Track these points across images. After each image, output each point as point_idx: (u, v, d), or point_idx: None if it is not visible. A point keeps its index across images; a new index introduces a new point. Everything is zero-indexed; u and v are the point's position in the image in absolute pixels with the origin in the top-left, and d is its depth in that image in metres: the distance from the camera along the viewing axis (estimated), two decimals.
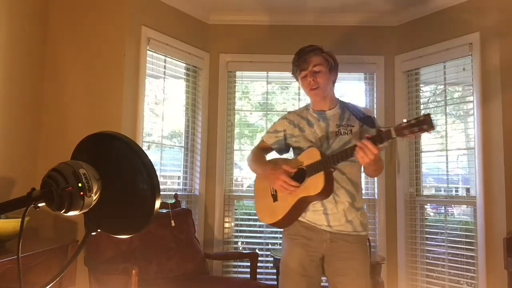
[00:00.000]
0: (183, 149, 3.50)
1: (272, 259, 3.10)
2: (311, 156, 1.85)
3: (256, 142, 2.80)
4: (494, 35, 2.87)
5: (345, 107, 1.99)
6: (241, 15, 3.54)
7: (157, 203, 0.76)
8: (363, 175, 2.03)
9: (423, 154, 3.36)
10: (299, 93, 3.64)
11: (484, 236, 2.81)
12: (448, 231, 3.12)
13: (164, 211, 2.93)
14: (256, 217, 3.07)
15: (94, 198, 0.76)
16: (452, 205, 3.29)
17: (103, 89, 2.92)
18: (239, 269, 3.43)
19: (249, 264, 2.98)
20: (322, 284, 1.99)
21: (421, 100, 3.44)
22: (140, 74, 3.03)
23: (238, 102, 3.69)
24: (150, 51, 3.13)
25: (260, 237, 3.52)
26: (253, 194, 2.14)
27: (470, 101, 3.06)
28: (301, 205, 1.87)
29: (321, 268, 1.92)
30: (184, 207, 3.23)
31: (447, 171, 3.19)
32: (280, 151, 2.15)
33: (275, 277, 3.04)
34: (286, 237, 1.99)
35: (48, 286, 0.79)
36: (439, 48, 3.18)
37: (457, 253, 3.04)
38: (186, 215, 3.06)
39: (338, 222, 1.86)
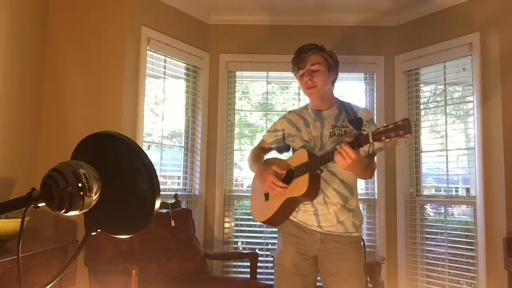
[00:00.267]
0: (183, 149, 3.50)
1: (272, 259, 3.10)
2: (300, 157, 1.86)
3: (256, 142, 2.82)
4: (494, 35, 2.87)
5: (343, 107, 1.97)
6: (241, 15, 3.54)
7: (157, 203, 0.76)
8: None
9: (423, 154, 3.36)
10: (299, 93, 3.64)
11: (484, 236, 2.81)
12: (448, 231, 3.12)
13: (164, 211, 2.93)
14: None
15: (94, 198, 0.76)
16: (452, 205, 3.29)
17: (103, 89, 2.92)
18: (239, 269, 3.43)
19: (249, 264, 2.98)
20: (317, 284, 1.99)
21: (421, 100, 3.44)
22: (140, 74, 3.03)
23: (238, 102, 3.69)
24: (150, 51, 3.13)
25: (260, 237, 3.52)
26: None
27: (470, 101, 3.06)
28: (290, 205, 1.88)
29: (315, 266, 1.92)
30: (184, 207, 3.23)
31: (447, 171, 3.19)
32: (280, 150, 2.15)
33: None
34: (280, 236, 2.01)
35: (48, 286, 0.79)
36: (439, 48, 3.18)
37: (457, 253, 3.04)
38: (186, 215, 3.06)
39: (329, 223, 1.86)
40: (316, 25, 3.50)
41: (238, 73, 3.64)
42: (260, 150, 2.16)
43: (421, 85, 3.46)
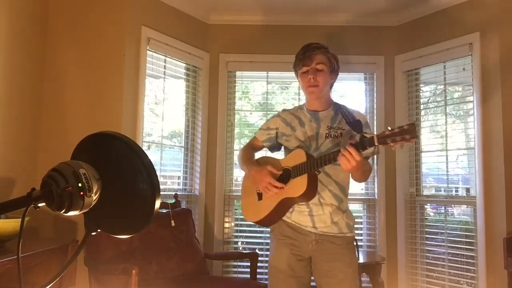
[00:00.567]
0: (183, 149, 3.50)
1: None
2: (297, 157, 1.84)
3: None
4: (494, 35, 2.87)
5: (338, 109, 1.97)
6: (241, 15, 3.54)
7: (157, 203, 0.76)
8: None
9: (423, 154, 3.36)
10: (299, 93, 3.64)
11: (484, 236, 2.81)
12: (448, 231, 3.12)
13: (164, 211, 2.93)
14: None
15: (94, 198, 0.76)
16: (452, 205, 3.29)
17: (103, 89, 2.92)
18: (239, 269, 3.43)
19: (249, 264, 2.99)
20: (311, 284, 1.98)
21: (421, 100, 3.44)
22: (140, 74, 3.03)
23: (238, 102, 3.69)
24: (150, 51, 3.13)
25: (260, 237, 3.52)
26: None
27: (470, 101, 3.06)
28: (285, 205, 1.86)
29: (309, 267, 1.91)
30: (184, 207, 3.23)
31: (447, 171, 3.19)
32: (272, 149, 2.14)
33: None
34: (273, 238, 1.99)
35: (48, 286, 0.79)
36: (439, 48, 3.18)
37: (457, 253, 3.04)
38: (186, 215, 3.06)
39: (324, 223, 1.85)
40: (316, 25, 3.50)
41: (238, 73, 3.64)
42: (251, 149, 2.13)
43: (421, 85, 3.46)
